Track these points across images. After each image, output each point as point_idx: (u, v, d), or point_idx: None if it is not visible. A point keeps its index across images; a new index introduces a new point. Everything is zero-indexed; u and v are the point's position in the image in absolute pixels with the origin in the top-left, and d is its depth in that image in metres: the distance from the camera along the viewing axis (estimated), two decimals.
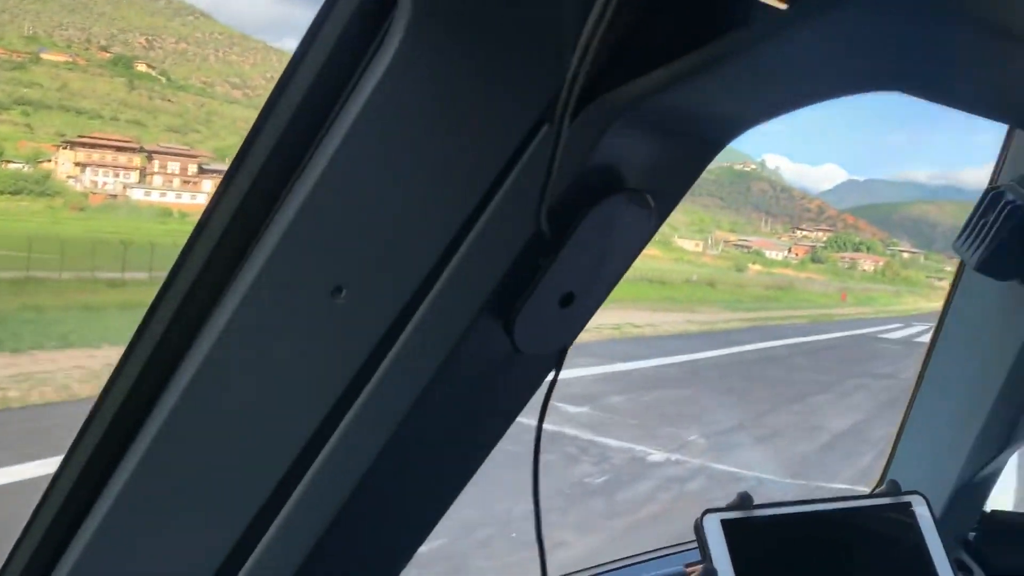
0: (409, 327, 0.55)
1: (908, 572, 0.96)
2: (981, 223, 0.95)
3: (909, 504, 1.00)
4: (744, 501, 0.91)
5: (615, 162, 0.54)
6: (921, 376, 1.22)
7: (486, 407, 0.65)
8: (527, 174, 0.53)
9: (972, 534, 1.40)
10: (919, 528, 0.99)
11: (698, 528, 0.89)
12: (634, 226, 0.58)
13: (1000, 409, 1.07)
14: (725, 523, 0.89)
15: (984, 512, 1.40)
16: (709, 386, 12.01)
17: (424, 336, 0.56)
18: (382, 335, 0.55)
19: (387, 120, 0.50)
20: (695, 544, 0.90)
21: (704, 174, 0.62)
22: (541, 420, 0.65)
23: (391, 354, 0.55)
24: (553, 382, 0.65)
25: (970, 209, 1.00)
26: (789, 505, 0.95)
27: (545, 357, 0.64)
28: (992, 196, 0.95)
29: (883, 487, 1.03)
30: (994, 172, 1.01)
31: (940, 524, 1.30)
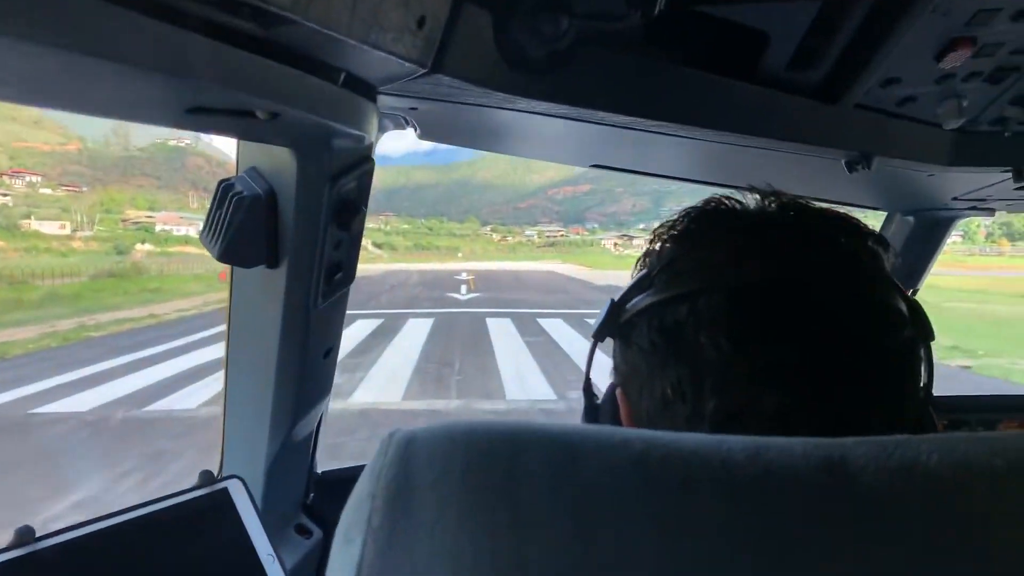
0: None
1: (231, 557, 1.03)
2: (217, 215, 1.07)
3: (226, 490, 1.11)
4: (23, 536, 0.86)
5: None
6: (225, 364, 1.36)
7: None
8: None
9: (312, 496, 1.66)
10: (238, 510, 1.09)
11: None
12: None
13: (283, 382, 1.27)
14: (1, 567, 0.83)
15: (315, 474, 1.65)
16: None
17: None
18: None
19: None
20: None
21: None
22: None
23: None
24: None
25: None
26: (88, 524, 0.93)
27: None
28: (223, 188, 1.07)
29: (197, 480, 1.12)
30: (236, 166, 1.17)
31: (273, 497, 1.49)
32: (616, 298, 0.76)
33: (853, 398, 0.63)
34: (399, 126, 1.21)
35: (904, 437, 0.46)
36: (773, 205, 0.74)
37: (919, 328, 0.71)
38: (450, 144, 1.32)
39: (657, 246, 0.75)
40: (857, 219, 0.74)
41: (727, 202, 0.75)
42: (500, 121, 1.17)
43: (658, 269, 0.72)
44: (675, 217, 0.75)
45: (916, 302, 0.73)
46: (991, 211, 1.84)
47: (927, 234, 1.97)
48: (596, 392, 0.89)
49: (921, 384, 0.70)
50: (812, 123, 1.23)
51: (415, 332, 19.37)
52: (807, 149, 1.29)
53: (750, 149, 1.32)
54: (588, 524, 0.42)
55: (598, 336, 0.78)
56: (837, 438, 0.46)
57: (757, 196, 0.75)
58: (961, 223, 1.99)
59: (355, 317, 21.94)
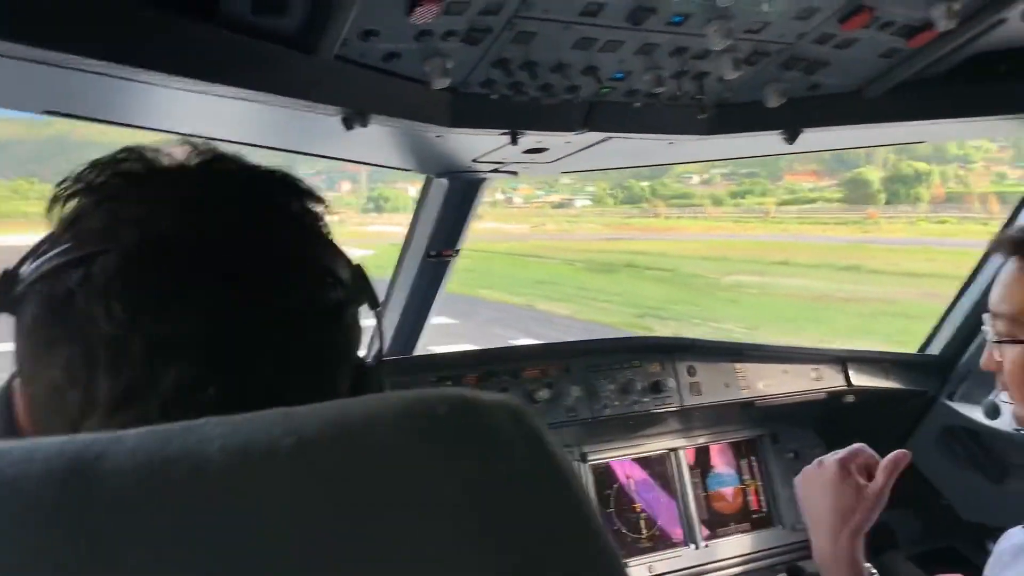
0: None
1: None
2: None
3: None
4: None
5: None
6: None
7: None
8: None
9: None
10: None
11: None
12: None
13: None
14: None
15: None
16: None
17: None
18: None
19: None
20: None
21: None
22: None
23: None
24: None
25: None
26: None
27: None
28: None
29: None
30: None
31: None
32: (10, 267, 0.65)
33: (265, 366, 0.60)
34: None
35: (196, 423, 0.42)
36: (199, 158, 0.68)
37: (359, 291, 0.70)
38: None
39: (61, 203, 0.65)
40: (297, 177, 0.71)
41: (146, 153, 0.67)
42: None
43: (60, 229, 0.62)
44: (83, 168, 0.66)
45: (358, 266, 0.72)
46: (514, 172, 2.04)
47: (460, 196, 2.12)
48: None
49: (357, 347, 0.70)
50: (292, 74, 1.22)
51: None
52: (299, 104, 1.29)
53: (244, 102, 1.28)
54: None
55: None
56: (101, 433, 0.42)
57: (191, 149, 0.69)
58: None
59: None
